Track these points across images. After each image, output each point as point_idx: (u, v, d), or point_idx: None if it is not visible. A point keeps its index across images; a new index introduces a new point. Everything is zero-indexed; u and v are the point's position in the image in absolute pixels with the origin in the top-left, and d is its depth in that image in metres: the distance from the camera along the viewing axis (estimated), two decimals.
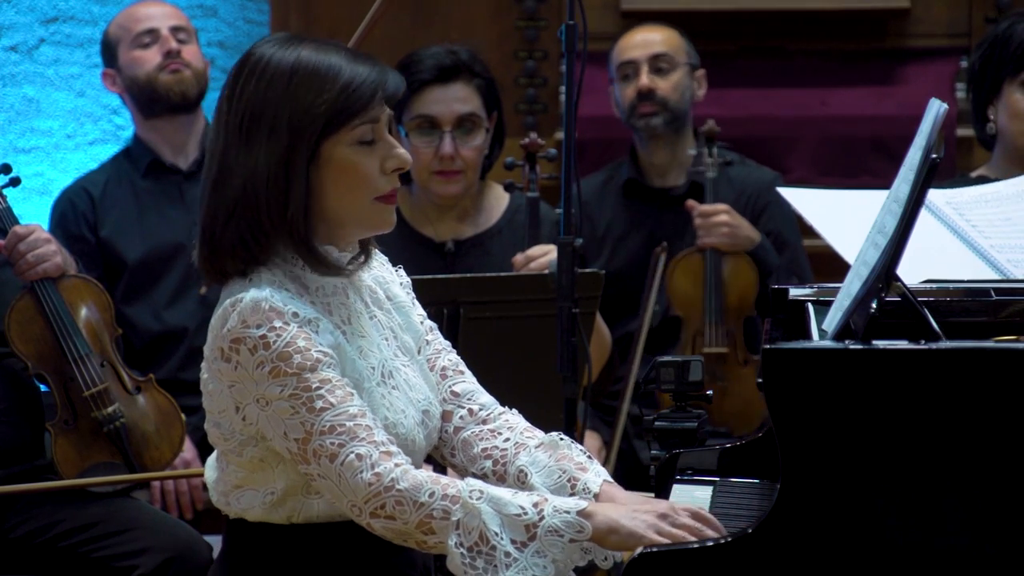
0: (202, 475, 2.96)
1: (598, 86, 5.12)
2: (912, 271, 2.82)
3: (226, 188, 2.62)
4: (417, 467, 2.63)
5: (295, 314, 2.59)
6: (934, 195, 3.52)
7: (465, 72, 4.35)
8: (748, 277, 4.86)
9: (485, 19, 5.75)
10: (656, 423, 3.06)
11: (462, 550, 2.53)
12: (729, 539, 2.48)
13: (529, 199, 4.28)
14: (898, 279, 2.58)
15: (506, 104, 4.68)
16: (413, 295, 2.87)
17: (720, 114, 5.07)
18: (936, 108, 2.56)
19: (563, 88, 5.01)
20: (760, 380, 2.50)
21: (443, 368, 2.84)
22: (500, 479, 2.75)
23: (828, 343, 2.57)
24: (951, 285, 2.97)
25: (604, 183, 5.12)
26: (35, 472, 3.99)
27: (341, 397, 2.58)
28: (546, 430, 2.83)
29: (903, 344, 2.48)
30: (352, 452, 2.56)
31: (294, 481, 2.65)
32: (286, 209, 2.61)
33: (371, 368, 2.69)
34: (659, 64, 5.02)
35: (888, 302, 2.59)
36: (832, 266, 3.77)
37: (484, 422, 2.82)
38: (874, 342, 2.49)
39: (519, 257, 4.14)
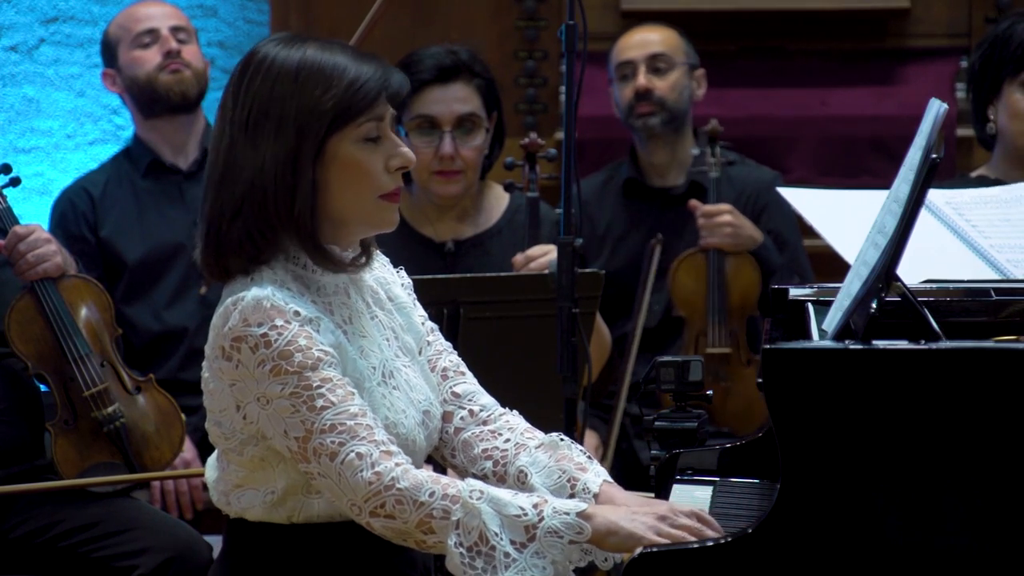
0: (202, 475, 2.97)
1: (598, 86, 5.11)
2: (912, 271, 2.82)
3: (232, 185, 2.63)
4: (418, 467, 2.63)
5: (297, 313, 2.59)
6: (934, 195, 3.52)
7: (465, 72, 4.35)
8: (751, 277, 4.86)
9: (485, 19, 5.75)
10: (656, 423, 3.06)
11: (461, 550, 2.53)
12: (729, 539, 2.48)
13: (529, 199, 4.28)
14: (898, 279, 2.58)
15: (506, 104, 4.68)
16: (414, 296, 2.88)
17: (720, 114, 5.07)
18: (936, 108, 2.56)
19: (563, 88, 5.01)
20: (760, 380, 2.50)
21: (444, 369, 2.84)
22: (500, 480, 2.75)
23: (828, 343, 2.57)
24: (951, 285, 2.97)
25: (604, 183, 5.12)
26: (35, 472, 3.99)
27: (342, 396, 2.58)
28: (546, 430, 2.83)
29: (903, 344, 2.48)
30: (352, 451, 2.56)
31: (294, 480, 2.65)
32: (293, 205, 2.62)
33: (372, 368, 2.69)
34: (657, 64, 5.02)
35: (888, 302, 2.59)
36: (832, 266, 3.77)
37: (485, 423, 2.83)
38: (874, 342, 2.49)
39: (519, 257, 4.14)
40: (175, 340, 4.65)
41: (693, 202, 4.88)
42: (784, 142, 5.67)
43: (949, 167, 5.36)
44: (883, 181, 3.01)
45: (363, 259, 2.74)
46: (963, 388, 2.44)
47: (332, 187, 2.64)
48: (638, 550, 2.49)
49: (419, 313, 2.87)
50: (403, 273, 2.89)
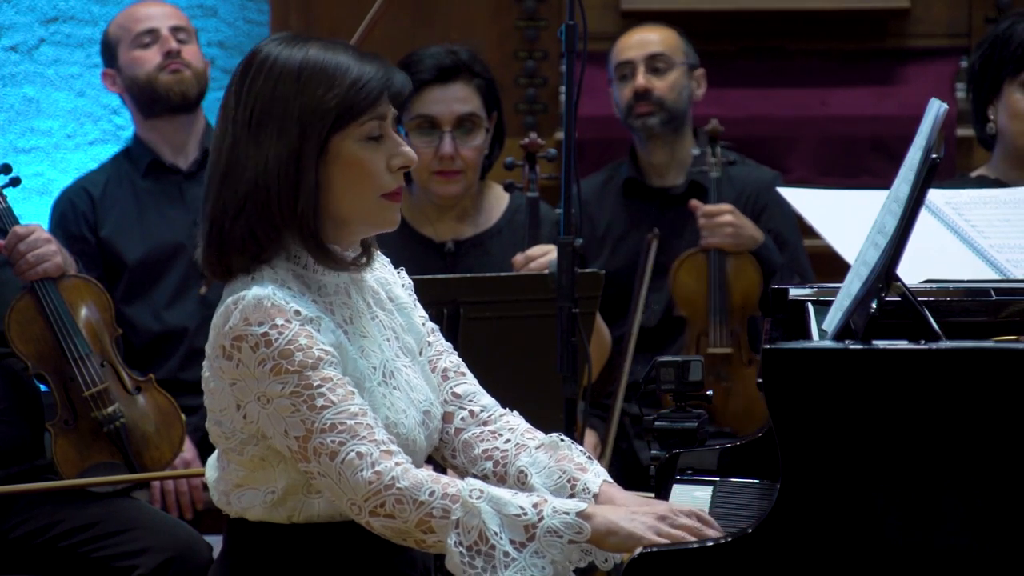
0: (202, 475, 2.97)
1: (598, 86, 5.12)
2: (912, 271, 2.82)
3: (235, 183, 2.64)
4: (418, 467, 2.63)
5: (297, 312, 2.59)
6: (934, 195, 3.52)
7: (465, 72, 4.35)
8: (752, 277, 4.87)
9: (485, 19, 5.75)
10: (656, 423, 3.06)
11: (461, 549, 2.53)
12: (729, 539, 2.48)
13: (529, 199, 4.28)
14: (898, 279, 2.58)
15: (506, 104, 4.68)
16: (415, 297, 2.88)
17: (720, 114, 5.07)
18: (936, 108, 2.56)
19: (563, 88, 5.01)
20: (760, 380, 2.50)
21: (444, 370, 2.85)
22: (500, 480, 2.75)
23: (828, 343, 2.57)
24: (951, 285, 2.97)
25: (604, 183, 5.12)
26: (35, 472, 3.99)
27: (342, 395, 2.59)
28: (546, 430, 2.83)
29: (903, 344, 2.48)
30: (352, 450, 2.56)
31: (295, 480, 2.65)
32: (296, 203, 2.63)
33: (372, 368, 2.69)
34: (656, 64, 5.02)
35: (888, 302, 2.59)
36: (832, 266, 3.77)
37: (485, 424, 2.83)
38: (874, 342, 2.49)
39: (519, 257, 4.14)
40: (175, 340, 4.65)
41: (694, 202, 4.88)
42: (784, 142, 5.67)
43: (949, 167, 5.36)
44: (883, 181, 3.01)
45: (364, 259, 2.75)
46: (963, 388, 2.44)
47: (334, 186, 2.65)
48: (638, 550, 2.49)
49: (420, 314, 2.87)
50: (404, 274, 2.90)
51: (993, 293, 2.91)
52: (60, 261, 4.01)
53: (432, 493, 2.55)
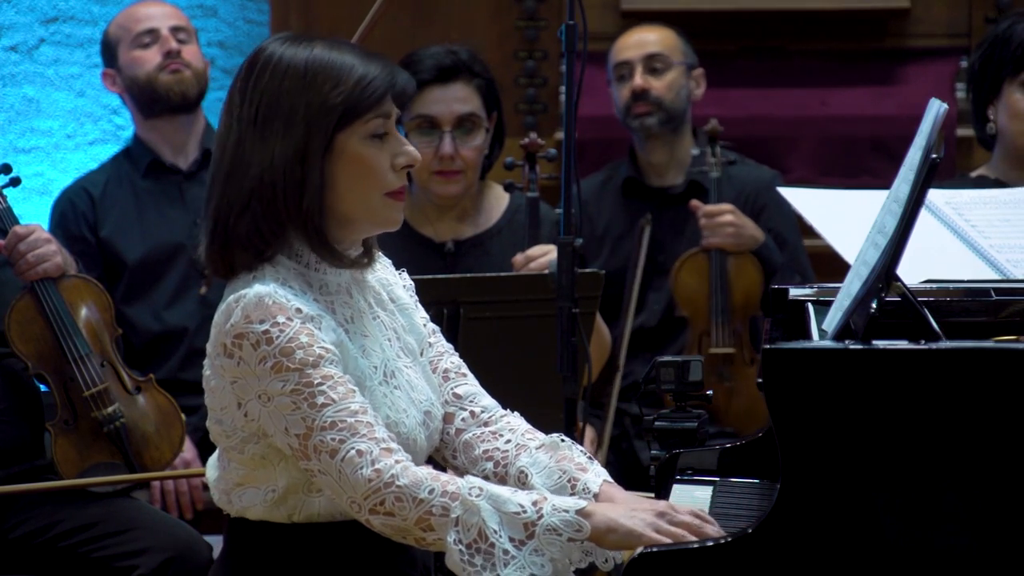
0: (202, 475, 2.97)
1: (598, 86, 5.12)
2: (912, 271, 2.82)
3: (240, 180, 2.65)
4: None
5: (298, 310, 2.60)
6: (934, 195, 3.52)
7: (465, 72, 4.35)
8: (753, 276, 4.87)
9: (485, 19, 5.75)
10: (656, 423, 3.06)
11: (460, 547, 2.53)
12: (729, 539, 2.48)
13: (529, 199, 4.28)
14: (898, 279, 2.58)
15: (506, 104, 4.68)
16: (416, 298, 2.89)
17: (720, 114, 5.07)
18: (936, 108, 2.56)
19: (563, 88, 5.01)
20: (760, 380, 2.50)
21: (445, 370, 2.85)
22: (501, 480, 2.75)
23: (828, 343, 2.57)
24: (951, 285, 2.97)
25: (603, 183, 5.13)
26: (35, 472, 3.99)
27: (343, 393, 2.59)
28: (546, 430, 2.83)
29: (903, 344, 2.48)
30: (353, 448, 2.57)
31: (295, 479, 2.66)
32: (302, 199, 2.64)
33: (373, 367, 2.70)
34: (654, 64, 5.02)
35: (888, 302, 2.59)
36: (832, 266, 3.77)
37: (486, 424, 2.83)
38: (874, 342, 2.49)
39: (519, 257, 4.14)
40: (175, 340, 4.65)
41: (695, 202, 4.88)
42: (784, 142, 5.67)
43: (949, 167, 5.36)
44: (883, 181, 3.01)
45: (366, 259, 2.75)
46: (963, 388, 2.44)
47: (339, 183, 2.66)
48: (638, 550, 2.49)
49: (421, 315, 2.88)
50: (405, 275, 2.91)
51: (993, 293, 2.91)
52: (60, 261, 4.01)
53: (432, 491, 2.55)
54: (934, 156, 2.51)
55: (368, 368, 2.69)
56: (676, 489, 2.92)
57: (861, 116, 5.65)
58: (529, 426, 2.84)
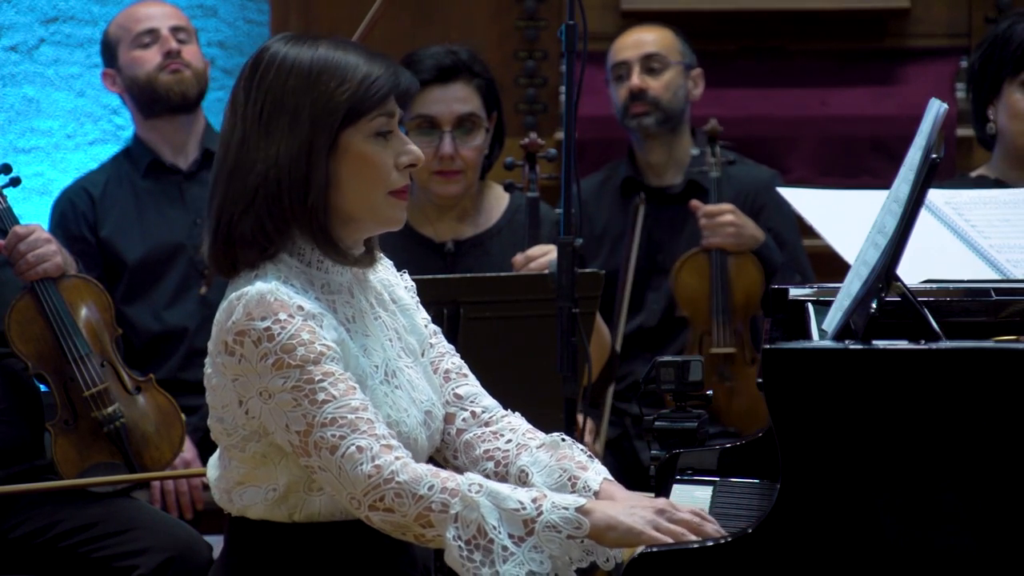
0: (202, 475, 2.97)
1: (598, 86, 5.12)
2: (912, 271, 2.82)
3: (245, 177, 2.65)
4: None
5: (300, 307, 2.60)
6: (934, 195, 3.52)
7: (465, 72, 4.35)
8: (754, 276, 4.87)
9: (485, 19, 5.75)
10: (656, 423, 3.07)
11: (460, 543, 2.53)
12: (729, 539, 2.48)
13: (529, 199, 4.28)
14: (898, 279, 2.58)
15: (506, 104, 4.68)
16: (418, 299, 2.89)
17: (720, 114, 5.07)
18: (936, 108, 2.56)
19: (563, 88, 5.01)
20: (760, 380, 2.50)
21: (446, 371, 2.86)
22: (502, 480, 2.75)
23: (828, 343, 2.57)
24: (951, 285, 2.97)
25: (602, 183, 5.13)
26: (35, 472, 3.99)
27: (343, 390, 2.59)
28: (546, 430, 2.83)
29: (903, 344, 2.48)
30: (353, 444, 2.57)
31: (296, 477, 2.66)
32: (307, 196, 2.65)
33: (374, 367, 2.70)
34: (651, 64, 5.02)
35: (888, 302, 2.59)
36: (832, 266, 3.77)
37: (486, 424, 2.84)
38: (874, 342, 2.49)
39: (519, 257, 4.14)
40: (175, 340, 4.65)
41: (695, 202, 4.88)
42: (784, 142, 5.67)
43: (949, 167, 5.36)
44: (883, 181, 3.01)
45: (367, 258, 2.76)
46: (963, 388, 2.44)
47: (343, 181, 2.67)
48: (639, 550, 2.49)
49: (422, 316, 2.88)
50: (406, 276, 2.91)
51: (993, 293, 2.91)
52: (60, 261, 4.01)
53: (431, 487, 2.56)
54: (934, 156, 2.51)
55: (369, 367, 2.69)
56: (676, 489, 2.92)
57: (861, 116, 5.65)
58: (530, 426, 2.84)
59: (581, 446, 2.79)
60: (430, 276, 3.62)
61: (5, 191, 4.08)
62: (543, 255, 4.08)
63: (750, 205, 4.97)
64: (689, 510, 2.57)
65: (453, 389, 2.85)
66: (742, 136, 5.28)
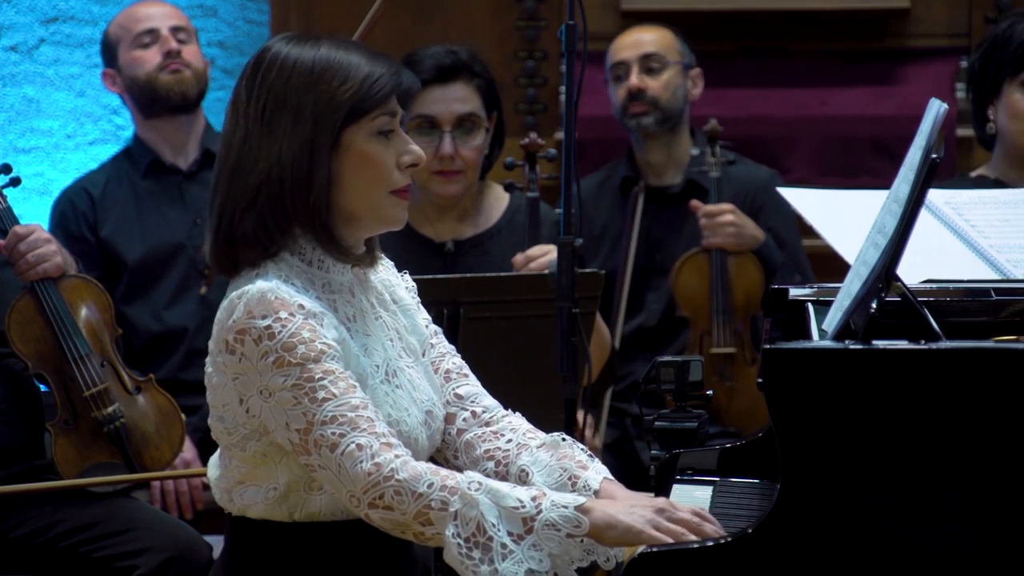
0: (202, 475, 2.97)
1: (598, 86, 5.12)
2: (912, 271, 2.82)
3: (247, 175, 2.66)
4: None
5: (301, 306, 2.61)
6: (934, 195, 3.52)
7: (465, 72, 4.35)
8: (754, 276, 4.87)
9: (485, 19, 5.75)
10: (656, 423, 3.07)
11: (459, 540, 2.53)
12: (729, 539, 2.48)
13: (529, 199, 4.28)
14: (898, 279, 2.58)
15: (506, 104, 4.68)
16: (418, 300, 2.90)
17: (720, 114, 5.07)
18: (936, 108, 2.56)
19: (563, 88, 5.01)
20: (760, 380, 2.50)
21: (447, 371, 2.86)
22: (502, 479, 2.75)
23: (828, 343, 2.57)
24: (951, 285, 2.97)
25: (601, 183, 5.13)
26: (35, 472, 3.99)
27: (344, 388, 2.59)
28: (546, 430, 2.84)
29: (903, 344, 2.48)
30: (352, 442, 2.57)
31: (296, 476, 2.66)
32: (309, 195, 2.65)
33: (375, 366, 2.70)
34: (650, 64, 5.03)
35: (888, 302, 2.59)
36: (832, 266, 3.77)
37: (487, 424, 2.84)
38: (874, 342, 2.49)
39: (519, 257, 4.14)
40: (175, 340, 4.65)
41: (695, 202, 4.88)
42: (784, 142, 5.67)
43: (949, 167, 5.36)
44: (883, 181, 3.01)
45: (368, 258, 2.76)
46: (963, 388, 2.44)
47: (345, 180, 2.67)
48: (639, 550, 2.49)
49: (423, 316, 2.89)
50: (407, 276, 2.92)
51: (993, 293, 2.91)
52: (60, 261, 4.01)
53: (431, 485, 2.56)
54: (934, 156, 2.51)
55: (370, 367, 2.70)
56: (676, 489, 2.92)
57: (861, 116, 5.65)
58: (530, 426, 2.85)
59: (581, 445, 2.79)
60: (430, 276, 3.62)
61: (5, 191, 4.08)
62: (543, 255, 4.08)
63: (750, 205, 4.97)
64: (689, 510, 2.57)
65: (454, 389, 2.85)
66: (742, 136, 5.28)
